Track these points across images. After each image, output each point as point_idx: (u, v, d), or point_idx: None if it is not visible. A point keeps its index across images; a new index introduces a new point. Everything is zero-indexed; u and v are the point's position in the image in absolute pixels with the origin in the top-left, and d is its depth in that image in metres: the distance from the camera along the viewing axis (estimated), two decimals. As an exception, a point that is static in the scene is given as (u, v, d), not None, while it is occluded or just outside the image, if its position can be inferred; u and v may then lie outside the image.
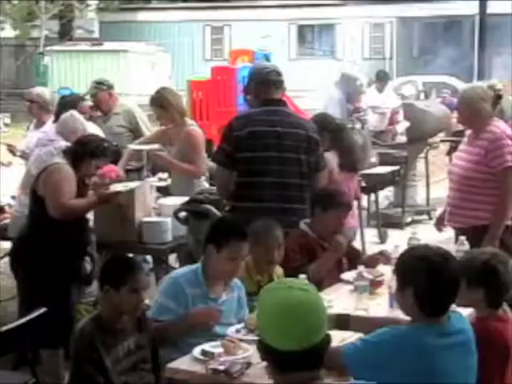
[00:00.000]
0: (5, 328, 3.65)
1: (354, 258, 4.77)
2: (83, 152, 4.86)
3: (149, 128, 7.24)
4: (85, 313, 5.39)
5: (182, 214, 5.14)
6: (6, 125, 8.12)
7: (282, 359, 2.33)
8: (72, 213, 4.82)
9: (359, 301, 4.06)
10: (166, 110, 6.12)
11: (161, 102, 6.16)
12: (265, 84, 4.92)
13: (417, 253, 3.07)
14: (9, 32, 28.22)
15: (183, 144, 6.01)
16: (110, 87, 7.40)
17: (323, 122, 5.96)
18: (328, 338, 2.37)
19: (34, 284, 4.84)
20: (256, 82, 4.99)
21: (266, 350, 2.37)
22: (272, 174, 4.82)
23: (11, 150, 7.14)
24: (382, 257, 4.70)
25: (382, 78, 11.57)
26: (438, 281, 2.94)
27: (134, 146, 6.41)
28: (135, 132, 7.13)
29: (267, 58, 21.18)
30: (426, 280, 2.94)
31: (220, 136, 5.09)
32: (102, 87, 7.33)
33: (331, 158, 5.75)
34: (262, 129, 4.84)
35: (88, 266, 5.09)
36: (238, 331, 3.75)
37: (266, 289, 2.46)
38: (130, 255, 3.85)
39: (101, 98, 7.28)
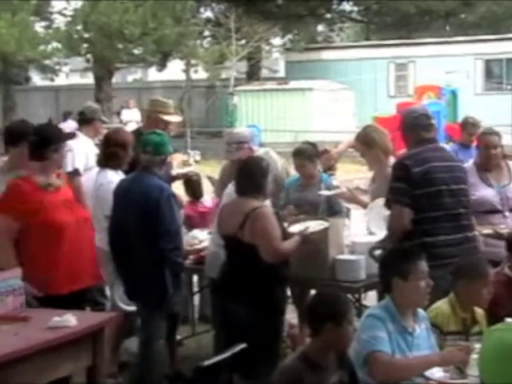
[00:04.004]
0: (207, 362, 3.71)
1: None
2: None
3: None
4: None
5: (377, 252, 5.05)
6: (196, 162, 8.44)
7: None
8: (284, 255, 4.95)
9: None
10: (371, 148, 6.10)
11: (366, 140, 6.14)
12: (415, 128, 5.07)
13: None
14: (201, 74, 29.53)
15: (383, 183, 5.93)
16: None
17: None
18: None
19: (236, 319, 4.85)
20: (405, 127, 5.15)
21: None
22: (445, 207, 4.90)
23: (212, 181, 7.36)
24: None
25: None
26: None
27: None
28: None
29: (454, 93, 20.86)
30: None
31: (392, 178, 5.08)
32: None
33: None
34: (436, 164, 4.98)
35: None
36: (445, 371, 3.67)
37: (491, 330, 2.37)
38: (338, 294, 3.88)
39: None
